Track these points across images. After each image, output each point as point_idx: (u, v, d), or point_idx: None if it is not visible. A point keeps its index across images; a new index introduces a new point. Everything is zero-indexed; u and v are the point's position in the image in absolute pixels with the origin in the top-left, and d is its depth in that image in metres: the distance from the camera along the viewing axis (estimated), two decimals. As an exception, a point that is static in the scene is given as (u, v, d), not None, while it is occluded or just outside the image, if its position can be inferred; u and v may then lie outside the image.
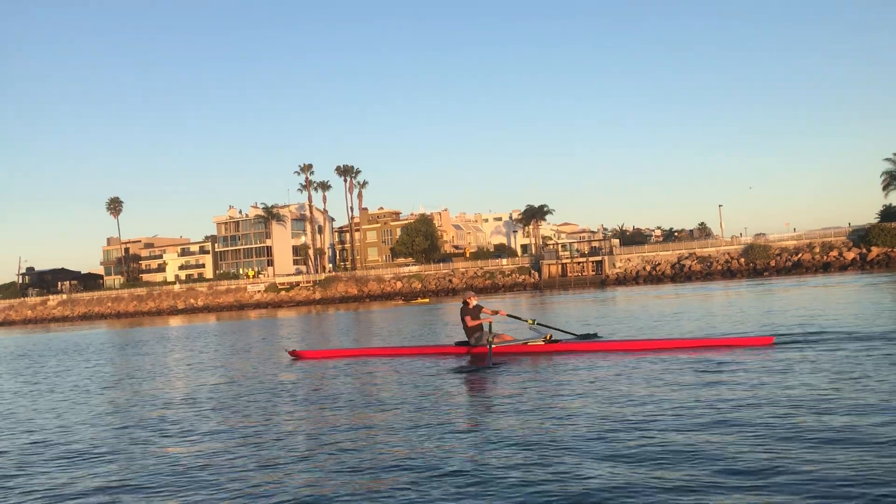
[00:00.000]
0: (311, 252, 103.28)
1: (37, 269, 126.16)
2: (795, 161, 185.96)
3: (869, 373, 8.82)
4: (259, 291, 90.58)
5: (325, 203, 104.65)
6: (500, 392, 9.45)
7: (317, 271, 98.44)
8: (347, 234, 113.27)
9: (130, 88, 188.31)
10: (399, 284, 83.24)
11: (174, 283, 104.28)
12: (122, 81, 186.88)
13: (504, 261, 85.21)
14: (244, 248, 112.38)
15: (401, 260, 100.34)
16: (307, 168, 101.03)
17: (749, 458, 5.56)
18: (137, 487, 6.06)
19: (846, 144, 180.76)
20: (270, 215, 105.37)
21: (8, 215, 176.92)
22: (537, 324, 13.81)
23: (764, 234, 74.18)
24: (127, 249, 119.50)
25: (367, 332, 26.12)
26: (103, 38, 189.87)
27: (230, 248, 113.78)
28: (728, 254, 70.69)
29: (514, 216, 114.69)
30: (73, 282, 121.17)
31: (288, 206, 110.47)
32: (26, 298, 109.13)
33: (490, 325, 13.12)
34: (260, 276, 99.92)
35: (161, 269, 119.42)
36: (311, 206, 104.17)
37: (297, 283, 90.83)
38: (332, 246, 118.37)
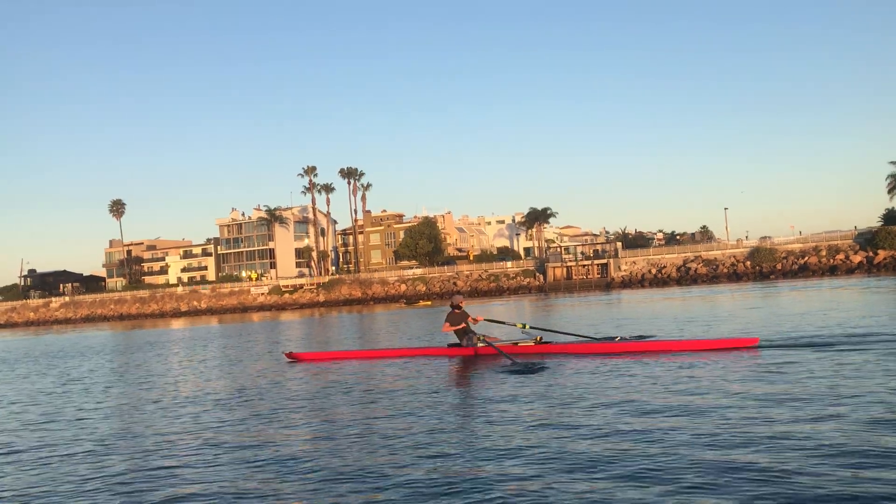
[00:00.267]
0: (314, 254, 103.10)
1: (38, 271, 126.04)
2: (798, 164, 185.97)
3: (853, 376, 8.80)
4: (262, 294, 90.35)
5: (328, 205, 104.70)
6: (489, 393, 9.67)
7: (320, 274, 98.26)
8: (350, 237, 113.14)
9: (133, 90, 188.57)
10: (403, 287, 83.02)
11: (177, 285, 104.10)
12: (126, 83, 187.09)
13: (508, 264, 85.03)
14: (247, 251, 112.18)
15: (404, 263, 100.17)
16: (311, 170, 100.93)
17: (704, 454, 5.72)
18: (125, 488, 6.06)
19: (850, 147, 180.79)
20: (273, 217, 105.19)
21: (10, 217, 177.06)
22: (529, 327, 14.24)
23: (769, 238, 74.03)
24: (129, 251, 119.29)
25: (367, 334, 26.19)
26: (106, 39, 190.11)
27: (233, 251, 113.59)
28: (734, 257, 70.53)
29: (517, 219, 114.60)
30: (75, 284, 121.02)
31: (291, 208, 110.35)
32: (29, 300, 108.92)
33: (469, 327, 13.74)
34: (263, 278, 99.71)
35: (163, 271, 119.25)
36: (314, 209, 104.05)
37: (301, 286, 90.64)
38: (335, 248, 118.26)
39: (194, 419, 9.23)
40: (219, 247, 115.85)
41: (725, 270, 68.59)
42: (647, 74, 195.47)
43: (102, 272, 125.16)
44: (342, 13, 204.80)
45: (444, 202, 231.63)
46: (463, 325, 14.00)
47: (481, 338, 13.66)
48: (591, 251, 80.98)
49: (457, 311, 14.06)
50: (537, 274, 79.01)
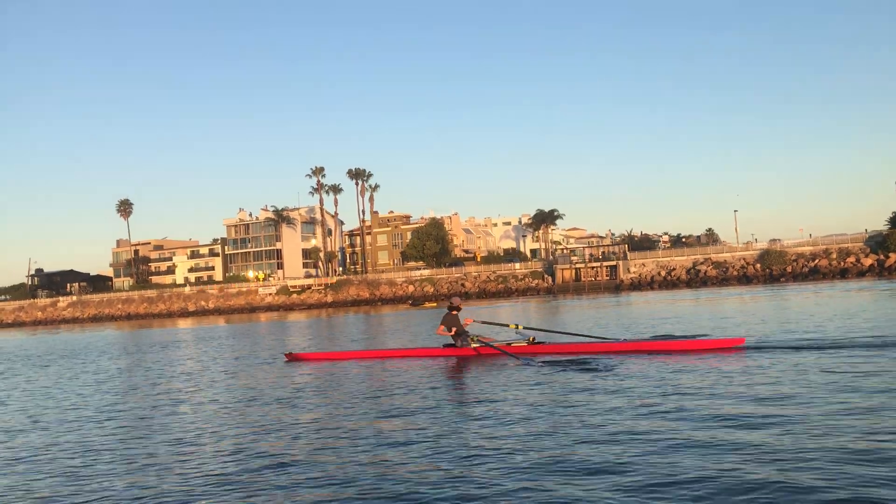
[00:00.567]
0: (321, 255, 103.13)
1: (45, 270, 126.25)
2: (805, 166, 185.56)
3: (838, 379, 8.93)
4: (270, 294, 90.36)
5: (336, 206, 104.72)
6: (479, 393, 9.88)
7: (327, 275, 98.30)
8: (358, 238, 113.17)
9: (141, 90, 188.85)
10: (411, 288, 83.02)
11: (184, 285, 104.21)
12: (134, 82, 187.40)
13: (517, 265, 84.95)
14: (254, 251, 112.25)
15: (411, 264, 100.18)
16: (319, 171, 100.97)
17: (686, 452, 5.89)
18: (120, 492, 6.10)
19: (858, 149, 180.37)
20: (280, 218, 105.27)
21: (18, 216, 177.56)
22: (523, 328, 14.66)
23: (779, 240, 73.90)
24: (136, 251, 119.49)
25: (370, 335, 26.48)
26: (113, 39, 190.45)
27: (240, 251, 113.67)
28: (744, 259, 70.42)
29: (524, 220, 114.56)
30: (82, 283, 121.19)
31: (298, 208, 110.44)
32: (36, 300, 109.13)
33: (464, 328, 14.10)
34: (270, 278, 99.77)
35: (171, 271, 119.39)
36: (322, 210, 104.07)
37: (309, 286, 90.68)
38: (343, 249, 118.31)
39: (190, 417, 9.50)
40: (226, 247, 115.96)
41: (735, 273, 68.49)
42: (653, 78, 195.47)
43: (109, 272, 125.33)
44: (351, 14, 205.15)
45: (451, 203, 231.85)
46: (455, 328, 14.33)
47: (475, 338, 14.02)
48: (600, 253, 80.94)
49: (454, 312, 14.38)
50: (546, 276, 78.96)
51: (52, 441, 8.51)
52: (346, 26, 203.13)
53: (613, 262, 75.83)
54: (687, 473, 5.41)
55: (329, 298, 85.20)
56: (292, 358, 16.17)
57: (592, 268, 76.34)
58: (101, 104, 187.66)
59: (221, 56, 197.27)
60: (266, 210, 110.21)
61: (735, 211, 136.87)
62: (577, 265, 77.50)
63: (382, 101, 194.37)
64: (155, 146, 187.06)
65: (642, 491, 5.11)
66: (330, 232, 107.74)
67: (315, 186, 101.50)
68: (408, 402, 9.42)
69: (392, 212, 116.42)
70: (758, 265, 68.40)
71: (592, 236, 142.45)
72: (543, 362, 12.32)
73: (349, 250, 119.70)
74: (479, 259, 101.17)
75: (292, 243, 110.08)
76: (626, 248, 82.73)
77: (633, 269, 74.80)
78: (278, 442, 7.52)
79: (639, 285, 70.93)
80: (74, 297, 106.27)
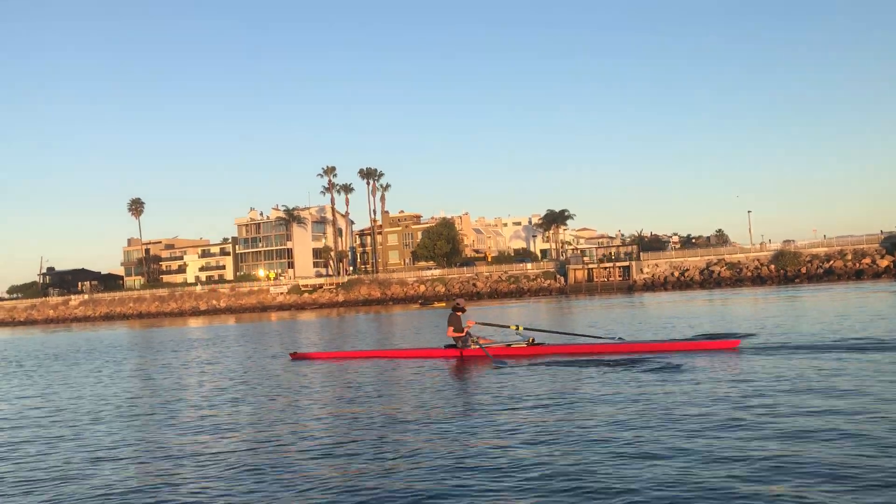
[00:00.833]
0: (333, 254, 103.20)
1: (57, 269, 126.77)
2: (818, 167, 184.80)
3: (827, 381, 9.08)
4: (282, 293, 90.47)
5: (347, 206, 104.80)
6: (475, 393, 10.11)
7: (338, 274, 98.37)
8: (368, 237, 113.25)
9: (153, 89, 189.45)
10: (422, 288, 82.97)
11: (195, 284, 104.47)
12: (144, 82, 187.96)
13: (528, 265, 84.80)
14: (265, 250, 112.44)
15: (422, 263, 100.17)
16: (330, 170, 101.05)
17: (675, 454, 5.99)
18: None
19: (871, 150, 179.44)
20: (291, 217, 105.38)
21: (30, 215, 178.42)
22: (524, 329, 14.84)
23: (793, 241, 73.56)
24: (147, 250, 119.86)
25: (378, 334, 26.69)
26: (124, 39, 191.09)
27: (251, 250, 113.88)
28: (758, 260, 70.12)
29: (534, 221, 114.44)
30: (94, 282, 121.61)
31: (308, 208, 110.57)
32: (48, 298, 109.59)
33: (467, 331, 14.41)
34: (280, 277, 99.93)
35: (182, 270, 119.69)
36: (333, 209, 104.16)
37: (321, 286, 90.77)
38: (353, 249, 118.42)
39: (192, 415, 9.68)
40: (237, 246, 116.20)
41: (749, 274, 68.20)
42: (664, 80, 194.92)
43: (120, 271, 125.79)
44: (363, 13, 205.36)
45: (461, 203, 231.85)
46: (465, 329, 14.68)
47: (476, 339, 14.40)
48: (612, 253, 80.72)
49: (458, 313, 14.78)
50: (558, 276, 78.81)
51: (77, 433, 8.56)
52: (359, 25, 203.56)
53: (626, 263, 75.65)
54: (659, 479, 5.45)
55: (340, 298, 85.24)
56: (297, 357, 16.68)
57: (605, 268, 76.18)
58: (112, 103, 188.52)
59: (234, 55, 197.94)
60: (277, 209, 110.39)
61: (749, 211, 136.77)
62: (590, 266, 77.33)
63: (394, 101, 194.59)
64: (166, 145, 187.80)
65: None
66: (340, 231, 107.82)
67: (326, 186, 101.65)
68: (406, 402, 9.57)
69: (402, 211, 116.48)
70: (772, 266, 68.09)
71: (602, 237, 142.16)
72: (529, 364, 12.65)
73: (359, 250, 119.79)
74: (489, 259, 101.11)
75: (303, 243, 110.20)
76: (637, 249, 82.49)
77: (646, 270, 74.58)
78: (278, 441, 7.59)
79: (652, 286, 70.71)
80: (86, 296, 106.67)
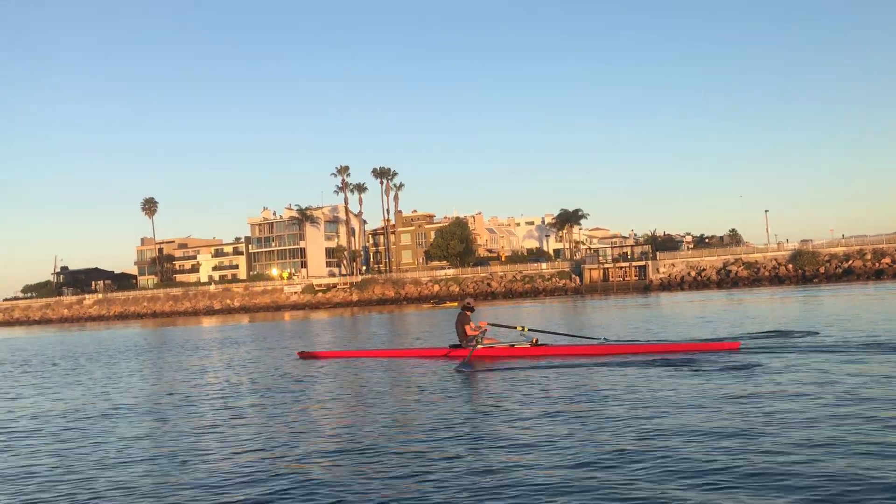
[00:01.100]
0: (346, 254, 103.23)
1: (70, 268, 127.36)
2: (832, 166, 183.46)
3: (823, 382, 8.95)
4: (295, 293, 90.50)
5: (360, 205, 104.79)
6: (479, 394, 10.13)
7: (351, 273, 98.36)
8: (381, 237, 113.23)
9: (166, 89, 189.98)
10: (436, 287, 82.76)
11: (208, 283, 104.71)
12: (158, 81, 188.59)
13: (543, 265, 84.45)
14: (278, 250, 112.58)
15: (435, 263, 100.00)
16: (344, 170, 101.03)
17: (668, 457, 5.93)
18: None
19: (886, 150, 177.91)
20: (304, 217, 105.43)
21: (44, 214, 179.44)
22: (528, 329, 14.77)
23: (810, 241, 72.94)
24: (161, 250, 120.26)
25: (390, 334, 26.71)
26: (138, 38, 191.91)
27: (264, 250, 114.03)
28: (775, 260, 69.54)
29: (548, 220, 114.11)
30: (108, 281, 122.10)
31: (321, 207, 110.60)
32: (62, 297, 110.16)
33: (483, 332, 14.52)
34: (294, 277, 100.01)
35: (195, 269, 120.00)
36: (346, 209, 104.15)
37: (334, 285, 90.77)
38: (366, 248, 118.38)
39: (198, 413, 9.84)
40: (250, 245, 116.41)
41: (767, 273, 67.65)
42: (677, 79, 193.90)
43: (134, 270, 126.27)
44: (376, 13, 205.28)
45: (474, 203, 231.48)
46: (477, 329, 14.81)
47: (480, 339, 14.38)
48: (626, 253, 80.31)
49: (467, 312, 14.92)
50: (573, 276, 78.45)
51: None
52: (373, 26, 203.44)
53: (642, 263, 75.24)
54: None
55: (354, 297, 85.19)
56: (304, 356, 16.91)
57: (621, 268, 75.78)
58: (126, 103, 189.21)
59: (246, 54, 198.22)
60: (290, 209, 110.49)
61: (766, 211, 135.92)
62: (606, 265, 76.94)
63: (408, 101, 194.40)
64: (180, 145, 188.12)
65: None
66: (353, 231, 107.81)
67: (340, 185, 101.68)
68: (406, 402, 9.64)
69: (415, 211, 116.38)
70: (790, 266, 67.50)
71: (615, 236, 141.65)
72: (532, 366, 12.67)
73: (372, 249, 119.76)
74: (503, 259, 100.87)
75: (316, 242, 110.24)
76: (652, 249, 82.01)
77: (662, 270, 74.12)
78: (278, 441, 7.62)
79: (668, 286, 70.28)
80: (100, 295, 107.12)
